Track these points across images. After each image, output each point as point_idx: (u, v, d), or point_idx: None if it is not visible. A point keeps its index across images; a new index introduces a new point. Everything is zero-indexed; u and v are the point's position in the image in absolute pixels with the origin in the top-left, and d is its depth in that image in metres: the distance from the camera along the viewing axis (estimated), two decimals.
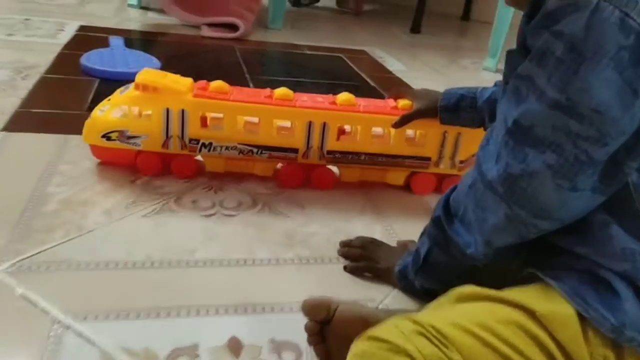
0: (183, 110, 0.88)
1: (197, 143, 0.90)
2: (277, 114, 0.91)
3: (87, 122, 0.92)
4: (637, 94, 0.43)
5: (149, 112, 0.89)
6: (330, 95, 0.95)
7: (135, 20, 2.08)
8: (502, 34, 1.93)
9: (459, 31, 2.96)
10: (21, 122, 1.08)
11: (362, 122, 0.92)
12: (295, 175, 0.95)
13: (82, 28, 1.83)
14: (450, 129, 0.92)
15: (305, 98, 0.93)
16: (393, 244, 0.80)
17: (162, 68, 1.48)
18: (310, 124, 0.90)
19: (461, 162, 0.97)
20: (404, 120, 0.91)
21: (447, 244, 0.58)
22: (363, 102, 0.93)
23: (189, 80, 0.91)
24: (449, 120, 0.89)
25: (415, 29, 2.54)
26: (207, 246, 0.77)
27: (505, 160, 0.48)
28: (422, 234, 0.65)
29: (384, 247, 0.77)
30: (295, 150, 0.92)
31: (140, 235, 0.78)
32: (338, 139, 0.93)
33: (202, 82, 0.92)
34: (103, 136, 0.90)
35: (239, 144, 0.91)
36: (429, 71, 1.90)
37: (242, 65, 1.65)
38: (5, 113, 1.10)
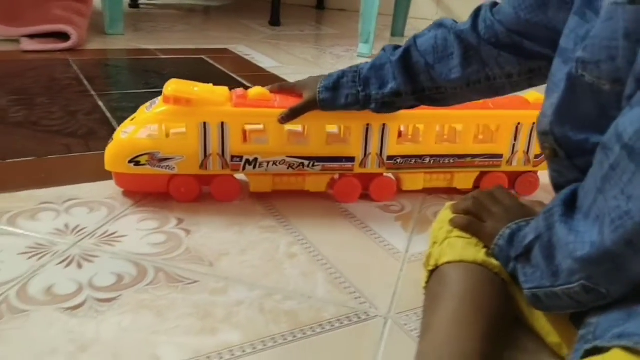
0: (222, 124, 0.74)
1: (241, 160, 0.76)
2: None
3: (109, 147, 0.77)
4: None
5: (183, 129, 0.76)
6: (240, 90, 0.80)
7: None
8: (371, 20, 1.82)
9: (317, 20, 2.83)
10: None
11: None
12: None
13: None
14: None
15: None
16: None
17: None
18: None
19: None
20: (294, 114, 0.75)
21: (550, 246, 0.46)
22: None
23: (225, 89, 0.80)
24: (330, 102, 0.73)
25: (275, 21, 2.36)
26: None
27: None
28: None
29: (504, 204, 0.59)
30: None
31: None
32: None
33: (240, 90, 0.80)
34: (130, 161, 0.75)
35: (287, 156, 0.77)
36: (303, 64, 1.72)
37: (84, 81, 1.32)
38: None
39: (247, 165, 0.78)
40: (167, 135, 0.77)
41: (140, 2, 2.53)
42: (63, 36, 1.62)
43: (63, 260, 0.64)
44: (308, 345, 0.54)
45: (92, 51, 1.65)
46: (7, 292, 0.58)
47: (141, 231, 0.71)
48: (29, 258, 0.64)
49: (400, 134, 0.83)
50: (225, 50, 1.80)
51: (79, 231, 0.70)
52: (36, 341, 0.52)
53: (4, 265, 0.62)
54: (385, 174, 0.84)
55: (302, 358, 0.53)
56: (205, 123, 0.75)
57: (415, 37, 0.70)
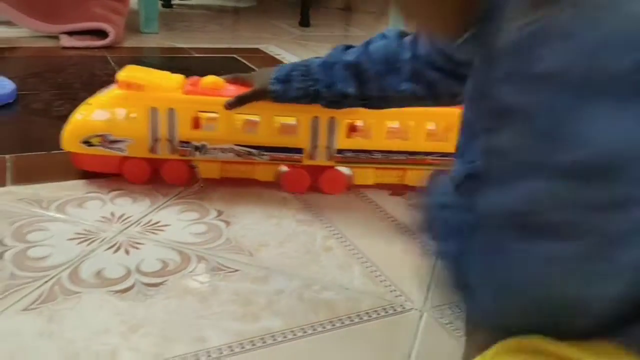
0: (171, 110, 0.79)
1: (189, 145, 0.80)
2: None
3: (66, 128, 0.82)
4: None
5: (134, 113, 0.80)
6: (195, 78, 0.84)
7: None
8: (399, 22, 1.84)
9: (346, 22, 2.85)
10: None
11: None
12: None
13: None
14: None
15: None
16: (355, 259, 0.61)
17: (19, 90, 1.17)
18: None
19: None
20: (240, 101, 0.77)
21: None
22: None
23: (180, 76, 0.84)
24: (281, 94, 0.75)
25: (305, 22, 2.38)
26: (130, 341, 0.52)
27: None
28: None
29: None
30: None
31: (25, 345, 0.51)
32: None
33: (194, 78, 0.83)
34: (84, 142, 0.80)
35: (236, 145, 0.80)
36: None
37: None
38: None
39: (195, 151, 0.81)
40: (127, 118, 0.81)
41: (173, 2, 2.58)
42: (101, 33, 1.67)
43: (111, 246, 0.67)
44: (345, 334, 0.56)
45: (129, 49, 1.70)
46: (60, 274, 0.61)
47: (183, 221, 0.74)
48: (79, 243, 0.67)
49: (355, 129, 0.84)
50: (257, 50, 1.83)
51: (124, 220, 0.73)
52: (89, 321, 0.55)
53: (56, 250, 0.66)
54: (338, 168, 0.84)
55: (339, 346, 0.54)
56: (154, 108, 0.79)
57: (367, 43, 0.72)
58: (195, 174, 0.84)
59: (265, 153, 0.81)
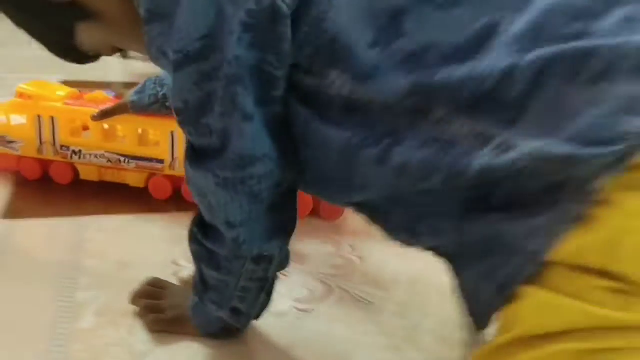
0: (53, 118, 0.94)
1: (68, 150, 0.95)
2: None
3: None
4: None
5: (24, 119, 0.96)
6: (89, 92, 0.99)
7: (119, 70, 1.92)
8: None
9: None
10: (17, 205, 0.91)
11: None
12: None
13: (65, 84, 1.65)
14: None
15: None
16: None
17: None
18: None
19: None
20: (104, 115, 0.88)
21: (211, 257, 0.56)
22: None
23: (71, 90, 1.00)
24: (137, 103, 0.84)
25: None
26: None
27: None
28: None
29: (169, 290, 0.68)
30: None
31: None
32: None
33: (84, 92, 1.00)
34: None
35: (107, 152, 0.94)
36: None
37: None
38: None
39: (73, 155, 0.95)
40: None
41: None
42: None
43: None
44: None
45: None
46: None
47: (322, 254, 0.83)
48: None
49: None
50: None
51: None
52: (255, 339, 0.65)
53: None
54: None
55: None
56: (39, 115, 0.94)
57: None
58: (79, 175, 0.98)
59: (132, 161, 0.93)
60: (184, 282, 0.71)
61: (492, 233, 0.41)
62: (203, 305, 0.60)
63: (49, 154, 0.96)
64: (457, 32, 0.40)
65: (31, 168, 0.98)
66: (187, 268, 0.77)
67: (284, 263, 0.59)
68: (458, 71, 0.39)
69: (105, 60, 2.09)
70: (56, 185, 0.98)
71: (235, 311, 0.59)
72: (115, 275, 0.74)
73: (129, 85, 1.05)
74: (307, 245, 0.85)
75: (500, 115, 0.38)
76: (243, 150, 0.47)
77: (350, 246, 0.86)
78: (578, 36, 0.37)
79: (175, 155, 0.93)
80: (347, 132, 0.44)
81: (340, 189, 0.49)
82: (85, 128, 0.97)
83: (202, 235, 0.55)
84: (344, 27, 0.43)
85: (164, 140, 0.93)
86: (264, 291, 0.59)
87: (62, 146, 0.95)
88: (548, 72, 0.37)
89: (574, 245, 0.36)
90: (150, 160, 0.94)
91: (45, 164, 0.98)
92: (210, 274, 0.57)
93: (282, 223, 0.54)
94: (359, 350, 0.64)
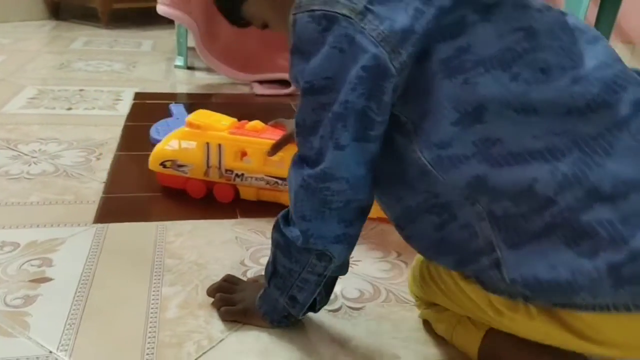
0: (220, 145, 1.05)
1: (232, 173, 1.07)
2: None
3: (152, 153, 1.11)
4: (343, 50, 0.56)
5: (193, 145, 1.09)
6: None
7: (185, 82, 2.07)
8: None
9: None
10: (110, 210, 1.05)
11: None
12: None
13: (137, 95, 1.82)
14: None
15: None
16: None
17: None
18: None
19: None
20: (275, 148, 0.98)
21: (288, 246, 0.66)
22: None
23: (232, 120, 1.10)
24: None
25: None
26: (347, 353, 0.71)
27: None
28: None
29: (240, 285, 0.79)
30: None
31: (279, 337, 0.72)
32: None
33: (243, 122, 1.10)
34: (161, 164, 1.10)
35: (266, 175, 1.05)
36: None
37: None
38: (91, 202, 1.07)
39: (236, 178, 1.07)
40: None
41: None
42: (284, 82, 1.97)
43: None
44: None
45: None
46: None
47: (370, 258, 0.93)
48: None
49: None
50: None
51: None
52: (314, 331, 0.75)
53: None
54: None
55: None
56: (208, 143, 1.06)
57: None
58: (239, 195, 1.09)
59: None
60: (252, 279, 0.82)
61: None
62: (269, 289, 0.71)
63: (214, 177, 1.08)
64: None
65: (198, 188, 1.10)
66: (253, 268, 0.88)
67: (342, 269, 0.70)
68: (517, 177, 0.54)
69: (171, 72, 2.30)
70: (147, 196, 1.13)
71: (293, 299, 0.69)
72: (193, 274, 0.86)
73: (276, 114, 1.17)
74: (357, 250, 0.95)
75: (506, 235, 0.55)
76: (328, 169, 0.60)
77: (397, 252, 0.95)
78: None
79: None
80: (419, 197, 0.61)
81: (398, 229, 0.68)
82: (244, 154, 1.08)
83: (285, 225, 0.66)
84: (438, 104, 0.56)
85: None
86: (322, 286, 0.69)
87: (226, 170, 1.07)
88: None
89: None
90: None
91: (209, 185, 1.10)
92: (282, 261, 0.68)
93: (346, 234, 0.65)
94: (403, 344, 0.73)
